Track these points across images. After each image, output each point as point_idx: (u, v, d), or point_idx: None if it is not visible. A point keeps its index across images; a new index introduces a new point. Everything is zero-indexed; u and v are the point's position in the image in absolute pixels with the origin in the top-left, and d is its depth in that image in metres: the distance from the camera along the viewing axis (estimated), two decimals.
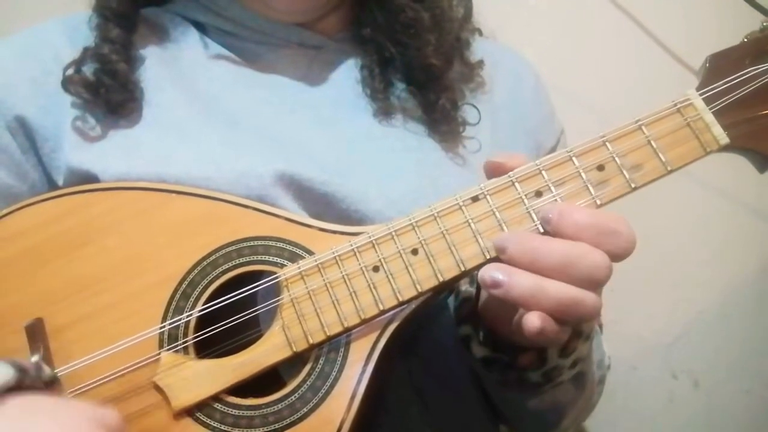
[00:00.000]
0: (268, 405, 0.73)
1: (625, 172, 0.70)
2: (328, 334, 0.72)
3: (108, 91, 0.86)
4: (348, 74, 0.94)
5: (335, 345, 0.73)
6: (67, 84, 0.86)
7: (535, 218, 0.70)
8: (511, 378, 0.79)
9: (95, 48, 0.87)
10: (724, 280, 1.38)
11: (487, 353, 0.78)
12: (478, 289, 0.78)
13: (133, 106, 0.87)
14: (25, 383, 0.62)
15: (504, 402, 0.89)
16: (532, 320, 0.65)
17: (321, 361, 0.73)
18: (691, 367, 1.39)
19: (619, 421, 1.36)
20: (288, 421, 0.72)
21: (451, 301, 0.83)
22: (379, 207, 0.83)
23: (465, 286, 0.80)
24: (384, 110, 0.91)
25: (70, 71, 0.87)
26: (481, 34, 1.02)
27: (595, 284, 0.67)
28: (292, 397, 0.73)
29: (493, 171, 0.73)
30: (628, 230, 0.68)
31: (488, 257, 0.71)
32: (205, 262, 0.76)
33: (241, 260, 0.76)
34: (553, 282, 0.66)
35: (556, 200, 0.70)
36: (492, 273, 0.67)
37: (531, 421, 0.89)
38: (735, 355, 1.39)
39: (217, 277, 0.75)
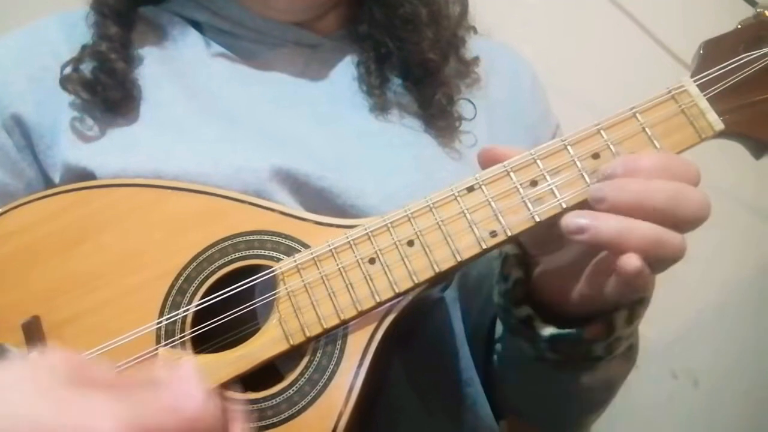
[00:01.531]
0: (266, 399, 0.72)
1: None
2: (324, 326, 0.72)
3: (105, 89, 0.86)
4: (345, 71, 0.94)
5: (332, 338, 0.73)
6: (65, 83, 0.86)
7: (531, 207, 0.70)
8: (579, 353, 0.76)
9: (93, 46, 0.88)
10: (724, 280, 1.38)
11: (554, 330, 0.75)
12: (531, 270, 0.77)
13: (131, 105, 0.87)
14: None
15: (553, 385, 0.85)
16: (630, 261, 0.63)
17: (318, 354, 0.73)
18: (691, 366, 1.39)
19: (619, 420, 1.35)
20: (286, 414, 0.72)
21: (495, 285, 0.80)
22: (376, 202, 0.83)
23: (515, 270, 0.77)
24: (380, 106, 0.91)
25: (68, 69, 0.87)
26: (476, 31, 1.02)
27: (698, 223, 0.65)
28: (290, 390, 0.72)
29: (487, 159, 0.72)
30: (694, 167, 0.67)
31: (484, 247, 0.70)
32: (201, 257, 0.76)
33: (237, 255, 0.75)
34: (641, 221, 0.64)
35: (551, 190, 0.70)
36: (575, 219, 0.65)
37: (578, 402, 0.87)
38: (735, 355, 1.38)
39: (214, 272, 0.75)
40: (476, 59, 0.98)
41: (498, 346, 0.91)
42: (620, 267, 0.63)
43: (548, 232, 0.71)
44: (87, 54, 0.88)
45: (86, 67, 0.87)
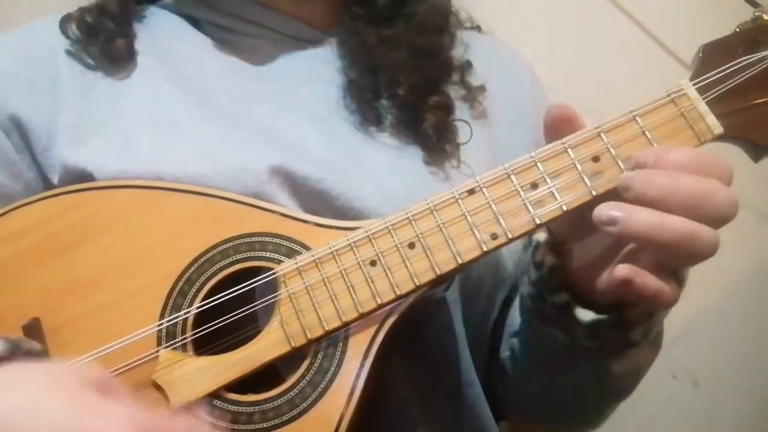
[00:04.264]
0: (267, 401, 0.73)
1: (620, 162, 0.70)
2: (326, 328, 0.72)
3: (106, 32, 0.89)
4: (342, 69, 0.94)
5: (333, 340, 0.73)
6: (64, 23, 0.88)
7: (531, 210, 0.70)
8: (618, 338, 0.76)
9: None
10: (724, 280, 1.38)
11: (594, 316, 0.75)
12: (565, 256, 0.77)
13: (130, 61, 0.89)
14: (16, 356, 0.63)
15: (582, 374, 0.85)
16: (619, 270, 0.65)
17: (319, 357, 0.73)
18: (691, 367, 1.39)
19: (619, 421, 1.35)
20: (287, 416, 0.72)
21: (525, 275, 0.81)
22: (375, 204, 0.82)
23: (549, 257, 0.77)
24: (378, 104, 0.91)
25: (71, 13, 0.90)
26: (480, 30, 1.03)
27: (722, 222, 0.65)
28: (291, 392, 0.72)
29: (557, 126, 0.72)
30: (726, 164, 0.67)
31: (485, 249, 0.71)
32: (202, 259, 0.76)
33: (238, 257, 0.76)
34: (672, 216, 0.64)
35: (552, 192, 0.70)
36: (608, 210, 0.65)
37: (605, 390, 0.88)
38: (735, 355, 1.38)
39: (215, 274, 0.75)
40: (466, 48, 0.99)
41: (514, 341, 0.91)
42: (613, 274, 0.66)
43: (579, 219, 0.71)
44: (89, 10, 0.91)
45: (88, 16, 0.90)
